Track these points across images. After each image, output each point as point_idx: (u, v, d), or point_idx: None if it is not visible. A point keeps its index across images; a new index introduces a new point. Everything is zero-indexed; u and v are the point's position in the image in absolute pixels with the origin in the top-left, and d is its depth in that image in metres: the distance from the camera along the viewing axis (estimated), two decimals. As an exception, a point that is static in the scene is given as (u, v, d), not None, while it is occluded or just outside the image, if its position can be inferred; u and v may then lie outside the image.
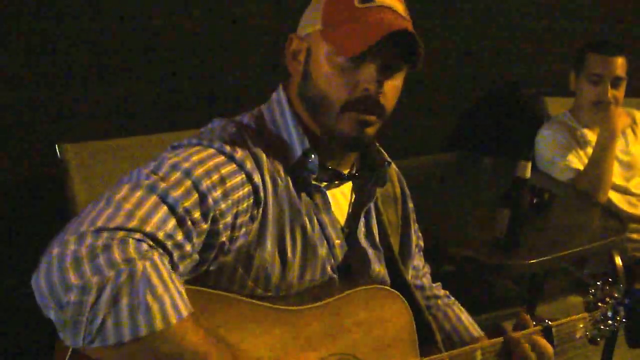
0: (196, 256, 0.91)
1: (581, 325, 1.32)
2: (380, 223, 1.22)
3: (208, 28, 2.01)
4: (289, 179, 1.05)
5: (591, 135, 2.39)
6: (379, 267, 1.19)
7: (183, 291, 0.83)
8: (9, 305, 1.89)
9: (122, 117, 1.93)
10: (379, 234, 1.22)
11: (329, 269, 1.10)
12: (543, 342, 1.20)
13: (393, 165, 1.27)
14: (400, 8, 1.05)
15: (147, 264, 0.79)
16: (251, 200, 0.98)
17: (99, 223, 0.81)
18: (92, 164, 1.63)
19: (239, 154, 0.99)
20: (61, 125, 1.83)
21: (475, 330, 1.32)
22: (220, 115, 1.13)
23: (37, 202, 1.86)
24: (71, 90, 1.83)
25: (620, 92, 2.35)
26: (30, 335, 1.90)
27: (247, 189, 0.97)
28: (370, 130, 1.07)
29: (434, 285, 1.40)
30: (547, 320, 1.26)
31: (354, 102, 1.03)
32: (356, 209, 1.18)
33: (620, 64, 2.33)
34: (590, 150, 2.33)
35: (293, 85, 1.12)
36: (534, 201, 1.94)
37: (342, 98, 1.03)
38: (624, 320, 1.39)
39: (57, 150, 1.64)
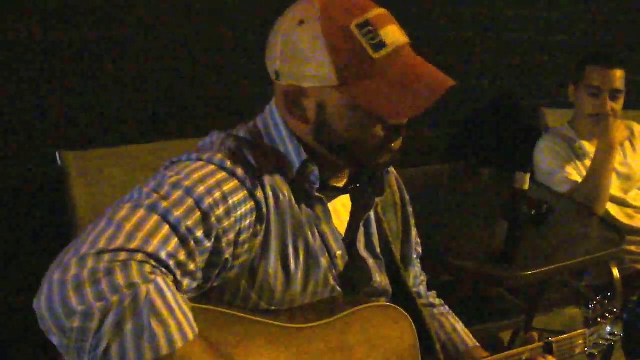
0: (200, 274, 0.90)
1: (580, 342, 1.33)
2: (381, 231, 1.22)
3: (209, 36, 2.01)
4: (289, 191, 1.04)
5: (590, 147, 2.40)
6: (379, 277, 1.19)
7: (188, 311, 0.81)
8: (10, 312, 1.88)
9: (122, 125, 1.93)
10: (380, 242, 1.21)
11: (331, 279, 1.10)
12: None
13: (393, 171, 1.27)
14: (404, 38, 1.00)
15: (151, 287, 0.78)
16: (254, 217, 0.97)
17: (100, 245, 0.79)
18: (92, 172, 1.64)
19: (240, 169, 0.97)
20: (62, 133, 1.84)
21: (470, 340, 1.32)
22: (220, 124, 1.12)
23: (38, 210, 1.86)
24: (72, 98, 1.83)
25: (619, 105, 2.36)
26: (27, 343, 1.90)
27: (250, 205, 0.96)
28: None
29: (429, 293, 1.40)
30: (548, 337, 1.27)
31: (390, 138, 1.04)
32: (355, 219, 1.17)
33: (619, 76, 2.34)
34: (588, 162, 2.34)
35: (292, 120, 1.07)
36: (532, 213, 1.95)
37: (379, 139, 1.03)
38: (621, 334, 1.40)
39: (58, 158, 1.64)
